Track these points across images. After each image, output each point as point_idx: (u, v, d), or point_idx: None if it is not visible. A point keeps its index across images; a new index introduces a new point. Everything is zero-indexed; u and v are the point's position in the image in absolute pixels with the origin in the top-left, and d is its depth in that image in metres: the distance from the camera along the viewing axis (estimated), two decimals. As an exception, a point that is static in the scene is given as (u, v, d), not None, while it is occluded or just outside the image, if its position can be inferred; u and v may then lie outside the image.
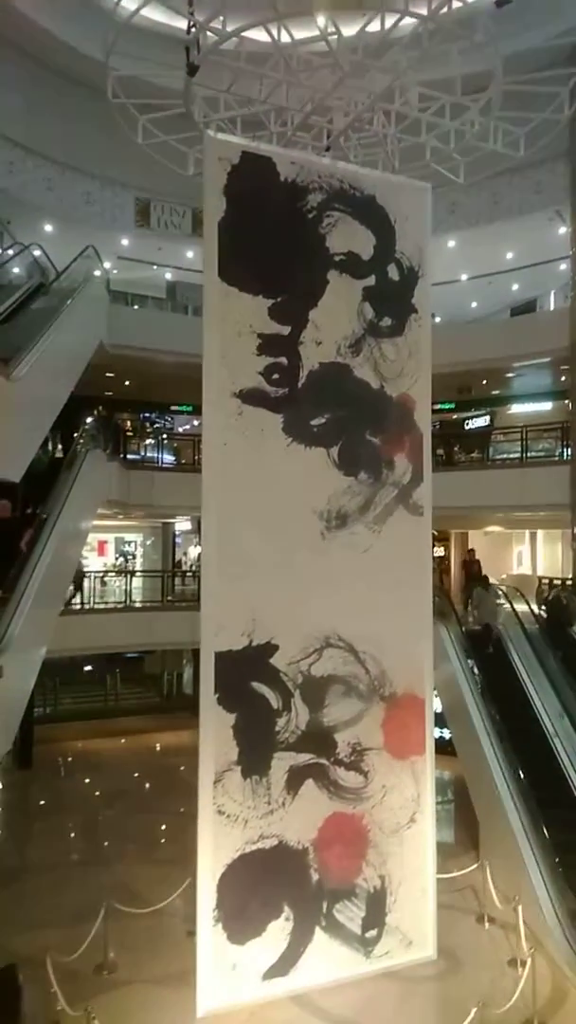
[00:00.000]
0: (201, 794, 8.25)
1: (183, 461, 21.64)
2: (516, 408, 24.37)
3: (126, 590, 19.66)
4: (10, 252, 16.63)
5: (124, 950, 9.26)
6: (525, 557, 24.83)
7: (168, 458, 22.09)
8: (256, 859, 8.39)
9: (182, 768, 16.79)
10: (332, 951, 8.73)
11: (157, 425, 25.47)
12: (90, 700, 23.02)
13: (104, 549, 25.95)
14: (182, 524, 27.18)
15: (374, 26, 9.08)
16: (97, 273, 17.77)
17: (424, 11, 8.47)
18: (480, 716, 12.18)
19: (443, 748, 12.45)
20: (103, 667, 23.03)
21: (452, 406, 24.90)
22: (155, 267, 23.28)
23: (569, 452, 17.80)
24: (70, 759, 18.44)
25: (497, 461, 20.02)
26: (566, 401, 21.88)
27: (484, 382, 23.03)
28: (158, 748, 19.58)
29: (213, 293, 8.65)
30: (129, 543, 27.14)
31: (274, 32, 9.01)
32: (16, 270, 16.64)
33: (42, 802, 15.83)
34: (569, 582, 17.88)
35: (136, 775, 17.36)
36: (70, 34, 16.84)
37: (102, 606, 18.58)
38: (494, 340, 20.01)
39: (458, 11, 8.94)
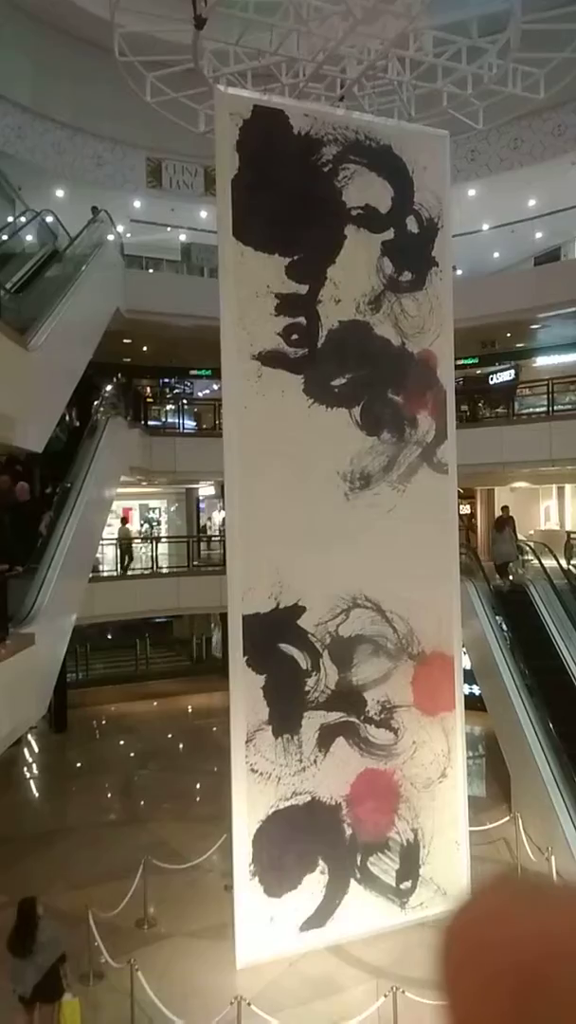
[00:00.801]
0: (234, 753, 8.39)
1: (204, 426, 21.58)
2: (542, 360, 23.91)
3: (152, 556, 19.83)
4: (22, 219, 16.47)
5: (163, 905, 9.53)
6: (553, 512, 24.59)
7: (189, 423, 22.05)
8: (290, 815, 8.55)
9: (214, 729, 17.09)
10: (368, 902, 8.92)
11: (177, 390, 25.38)
12: (121, 665, 23.44)
13: (130, 516, 26.12)
14: (206, 489, 27.23)
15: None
16: (111, 237, 17.58)
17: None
18: (510, 672, 12.21)
19: (473, 704, 12.53)
20: (133, 633, 23.36)
21: (476, 361, 24.48)
22: (169, 229, 22.99)
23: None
24: (104, 722, 18.82)
25: (523, 415, 19.71)
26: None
27: (508, 335, 22.57)
28: (190, 710, 19.90)
29: (228, 253, 8.52)
30: (154, 510, 27.28)
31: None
32: (29, 237, 16.51)
33: (78, 764, 16.21)
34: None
35: (169, 736, 17.69)
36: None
37: (130, 572, 18.76)
38: (518, 291, 19.55)
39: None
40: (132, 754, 16.55)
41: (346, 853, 8.84)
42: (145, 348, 21.59)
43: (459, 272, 19.62)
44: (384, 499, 9.21)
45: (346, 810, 8.83)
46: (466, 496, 24.97)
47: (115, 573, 18.39)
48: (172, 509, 27.52)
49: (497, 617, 13.35)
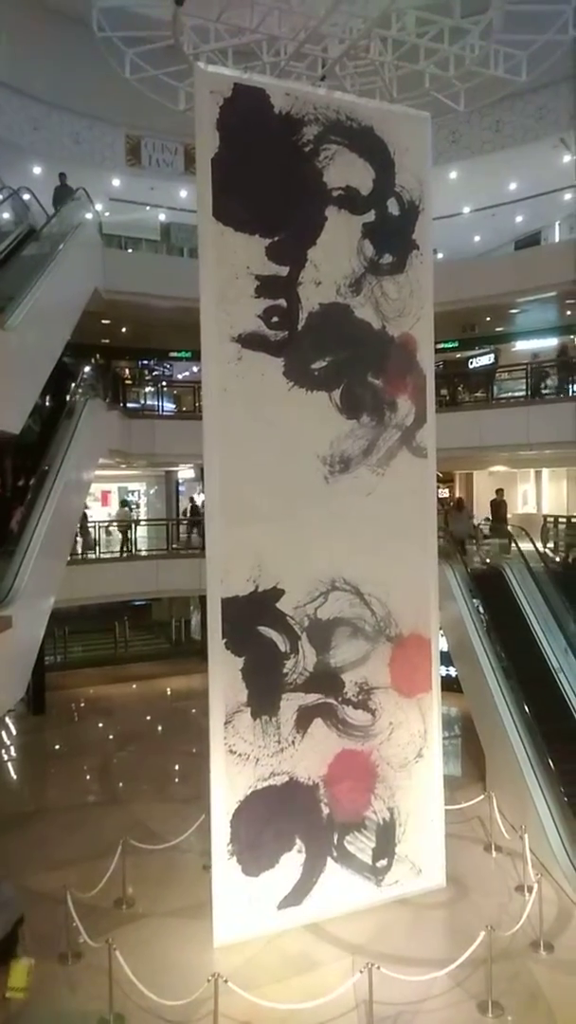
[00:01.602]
0: (213, 735, 8.44)
1: (184, 408, 21.46)
2: (521, 345, 24.01)
3: (131, 539, 19.76)
4: (-1, 197, 16.18)
5: (142, 885, 9.59)
6: (530, 496, 24.80)
7: (169, 406, 21.89)
8: (268, 795, 8.62)
9: (193, 711, 17.16)
10: (344, 881, 9.03)
11: (156, 372, 25.19)
12: (100, 647, 23.38)
13: (107, 499, 25.97)
14: (185, 472, 27.14)
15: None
16: (89, 216, 17.33)
17: None
18: (486, 654, 12.35)
19: (450, 685, 12.69)
20: (111, 615, 23.31)
21: (455, 344, 24.56)
22: (148, 208, 22.74)
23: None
24: (82, 705, 18.81)
25: (502, 400, 19.81)
26: (573, 337, 21.60)
27: (488, 319, 22.63)
28: (168, 692, 19.94)
29: (208, 233, 8.44)
30: (132, 492, 27.14)
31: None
32: (6, 215, 16.24)
33: (57, 746, 16.20)
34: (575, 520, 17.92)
35: (148, 718, 17.72)
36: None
37: (108, 555, 18.68)
38: (498, 275, 19.57)
39: None
40: (111, 736, 16.57)
41: (323, 832, 8.94)
42: (124, 329, 21.39)
43: (440, 255, 19.60)
44: (363, 482, 9.24)
45: (323, 790, 8.92)
46: (445, 480, 25.13)
47: (93, 556, 18.28)
48: (151, 492, 27.41)
49: (474, 600, 13.49)
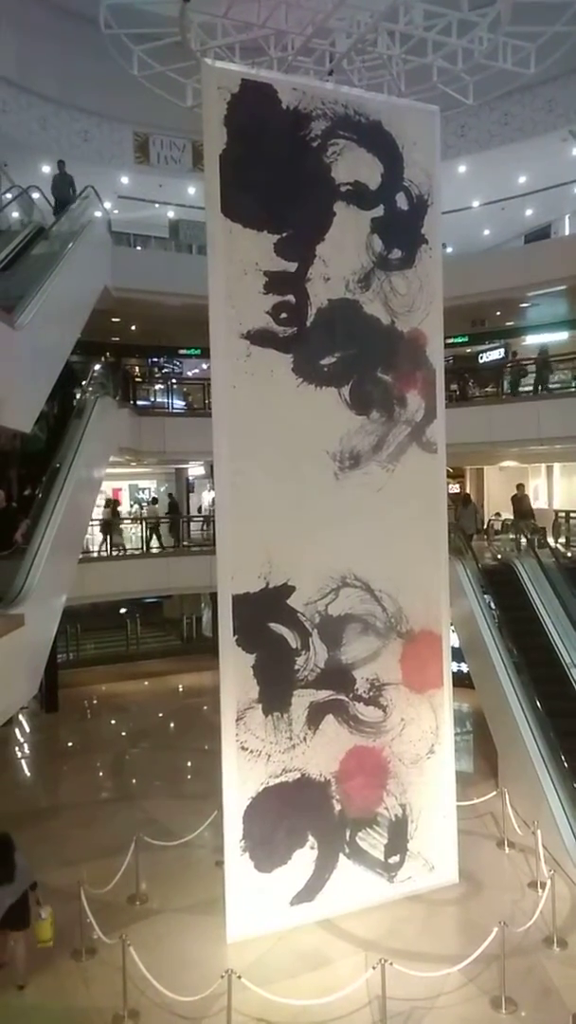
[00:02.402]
0: (224, 731, 8.45)
1: (194, 405, 21.48)
2: (531, 339, 23.87)
3: (142, 536, 19.83)
4: (8, 196, 16.22)
5: (155, 881, 9.62)
6: (541, 491, 24.68)
7: (179, 403, 21.92)
8: (280, 792, 8.63)
9: (205, 708, 17.19)
10: (356, 877, 9.04)
11: (166, 370, 25.20)
12: (112, 645, 23.46)
13: (119, 497, 26.03)
14: (195, 469, 27.16)
15: None
16: (98, 214, 17.35)
17: None
18: (497, 650, 12.31)
19: (461, 681, 12.65)
20: (123, 613, 23.37)
21: (465, 339, 24.44)
22: (156, 205, 22.74)
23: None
24: (95, 702, 18.88)
25: (511, 394, 19.70)
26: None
27: (498, 313, 22.51)
28: (180, 689, 19.99)
29: (216, 230, 8.44)
30: (143, 490, 27.19)
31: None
32: (16, 215, 16.29)
33: (70, 743, 16.27)
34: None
35: (160, 715, 17.77)
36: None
37: (119, 553, 18.74)
38: (508, 269, 19.44)
39: None
40: (123, 733, 16.62)
41: (335, 829, 8.94)
42: (133, 327, 21.41)
43: (449, 250, 19.53)
44: (373, 478, 9.22)
45: (335, 786, 8.92)
46: (455, 475, 25.04)
47: (104, 553, 18.34)
48: (162, 489, 27.45)
49: (485, 595, 13.44)
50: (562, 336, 22.54)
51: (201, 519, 22.72)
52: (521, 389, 18.92)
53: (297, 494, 8.80)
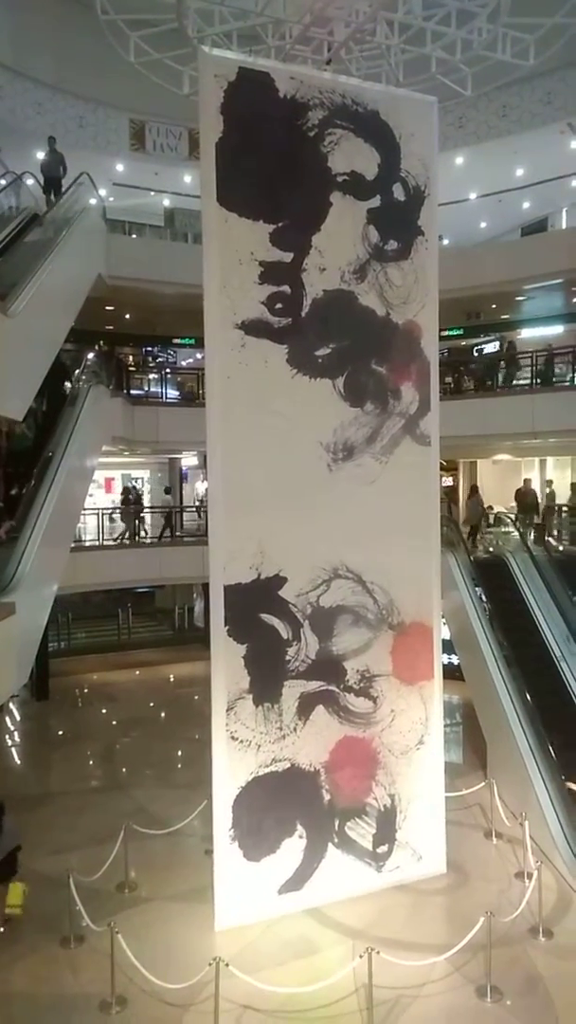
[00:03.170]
0: (215, 721, 8.47)
1: (188, 395, 21.42)
2: (527, 332, 23.88)
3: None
4: (2, 182, 16.10)
5: (144, 869, 9.66)
6: (535, 484, 24.77)
7: (172, 393, 21.87)
8: (270, 781, 8.66)
9: (195, 697, 17.23)
10: (345, 866, 9.08)
11: (160, 359, 25.11)
12: (103, 634, 23.47)
13: (111, 486, 25.98)
14: (189, 459, 27.12)
15: None
16: (93, 201, 17.23)
17: None
18: (488, 642, 12.35)
19: (451, 673, 12.70)
20: (115, 602, 23.37)
21: (460, 332, 24.44)
22: (152, 193, 22.63)
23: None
24: (86, 691, 18.89)
25: (506, 388, 19.73)
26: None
27: (494, 306, 22.52)
28: (171, 679, 20.01)
29: (212, 219, 8.39)
30: (135, 479, 27.11)
31: None
32: (12, 201, 16.16)
33: (60, 732, 16.28)
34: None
35: (151, 705, 17.79)
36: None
37: (111, 542, 18.72)
38: (504, 261, 19.45)
39: None
40: (114, 722, 16.64)
41: (324, 818, 8.98)
42: (128, 316, 21.33)
43: (445, 242, 19.51)
44: (366, 470, 9.22)
45: (325, 776, 8.96)
46: (449, 468, 25.09)
47: (95, 543, 18.32)
48: (156, 478, 27.39)
49: (477, 588, 13.48)
50: (558, 330, 22.57)
51: (193, 509, 22.64)
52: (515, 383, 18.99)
53: (290, 485, 8.79)
